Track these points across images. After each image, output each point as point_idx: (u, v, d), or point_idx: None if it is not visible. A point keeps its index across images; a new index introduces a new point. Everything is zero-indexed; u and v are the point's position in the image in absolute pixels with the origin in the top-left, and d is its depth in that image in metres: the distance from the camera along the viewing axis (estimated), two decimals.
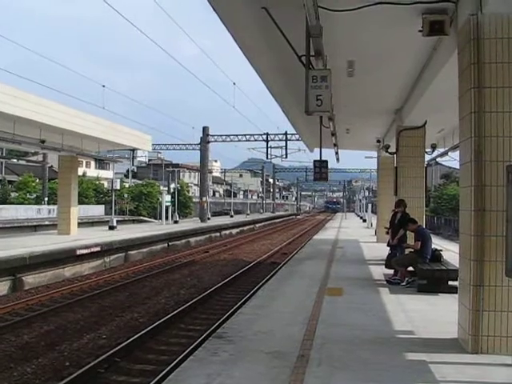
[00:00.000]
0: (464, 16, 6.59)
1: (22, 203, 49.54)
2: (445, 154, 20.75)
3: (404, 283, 11.60)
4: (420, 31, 7.69)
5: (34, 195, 53.85)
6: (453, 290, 9.91)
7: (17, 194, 53.06)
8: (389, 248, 13.25)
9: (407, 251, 12.49)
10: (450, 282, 10.45)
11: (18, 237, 25.44)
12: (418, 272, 11.33)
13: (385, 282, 12.18)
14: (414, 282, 11.42)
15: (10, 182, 58.47)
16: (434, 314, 8.87)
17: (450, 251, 14.85)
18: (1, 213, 42.30)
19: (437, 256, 11.81)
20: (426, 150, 16.68)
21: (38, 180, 55.39)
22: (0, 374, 8.56)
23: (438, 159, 24.31)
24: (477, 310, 6.31)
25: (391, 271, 12.60)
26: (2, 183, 57.05)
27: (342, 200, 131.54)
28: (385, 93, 13.77)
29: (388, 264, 12.69)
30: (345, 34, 9.00)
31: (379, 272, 13.75)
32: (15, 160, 64.30)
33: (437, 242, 20.98)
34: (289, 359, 6.20)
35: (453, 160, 22.72)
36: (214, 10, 7.80)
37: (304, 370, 5.80)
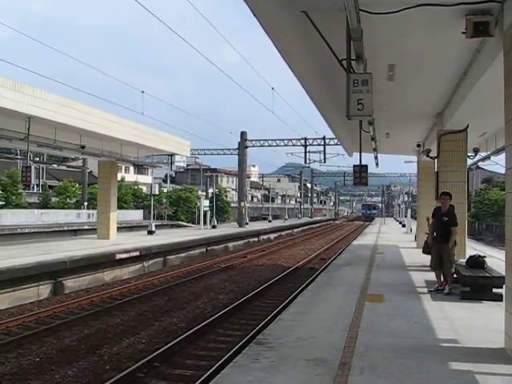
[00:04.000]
0: (511, 16, 6.40)
1: (62, 208, 50.33)
2: (487, 158, 20.35)
3: (447, 290, 11.36)
4: (463, 33, 7.50)
5: (74, 200, 54.72)
6: (497, 298, 9.73)
7: (57, 199, 53.88)
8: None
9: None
10: (495, 290, 10.21)
11: (58, 241, 25.84)
12: (460, 279, 11.10)
13: (426, 290, 11.93)
14: (456, 290, 11.17)
15: (50, 186, 59.39)
16: (478, 322, 8.66)
17: (493, 257, 14.53)
18: (42, 217, 43.11)
19: (480, 262, 11.55)
20: (468, 154, 16.38)
21: (77, 185, 56.17)
22: (42, 376, 8.69)
23: (480, 163, 23.86)
24: None
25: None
26: (43, 188, 58.02)
27: (379, 205, 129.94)
28: (426, 96, 13.55)
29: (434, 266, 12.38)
30: (385, 37, 8.85)
31: (420, 278, 13.53)
32: (55, 165, 65.42)
33: (479, 248, 20.64)
34: (331, 367, 6.10)
35: (495, 164, 22.28)
36: (254, 14, 7.76)
37: (346, 379, 5.69)
